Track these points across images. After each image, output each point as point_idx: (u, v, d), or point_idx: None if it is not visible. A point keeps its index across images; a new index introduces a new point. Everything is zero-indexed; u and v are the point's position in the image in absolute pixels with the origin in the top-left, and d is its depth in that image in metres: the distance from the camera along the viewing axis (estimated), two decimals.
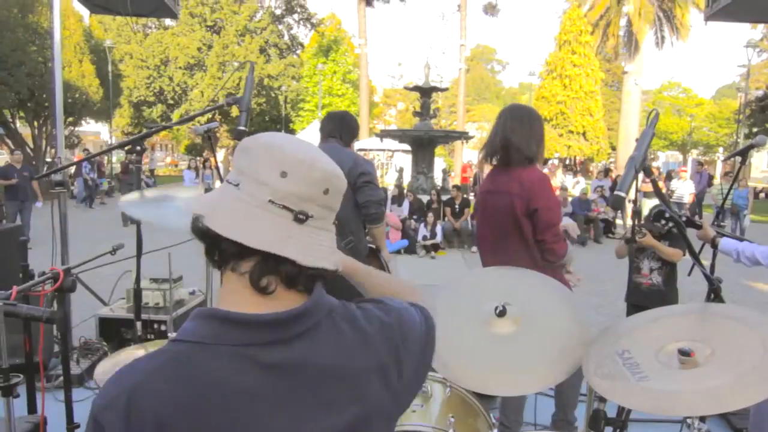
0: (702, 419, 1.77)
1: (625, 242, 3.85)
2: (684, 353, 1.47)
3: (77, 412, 2.90)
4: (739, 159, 3.52)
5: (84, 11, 22.56)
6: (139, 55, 31.39)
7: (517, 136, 2.62)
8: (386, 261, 3.50)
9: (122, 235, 2.45)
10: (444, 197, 12.14)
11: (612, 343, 1.64)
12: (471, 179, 21.17)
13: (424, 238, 10.67)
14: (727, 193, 3.69)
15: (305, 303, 0.90)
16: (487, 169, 2.87)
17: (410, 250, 10.63)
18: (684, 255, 3.75)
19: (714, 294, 1.88)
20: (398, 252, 10.33)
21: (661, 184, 14.02)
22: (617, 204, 1.67)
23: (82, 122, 26.21)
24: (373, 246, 3.46)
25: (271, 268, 0.86)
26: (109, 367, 1.95)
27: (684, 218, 2.74)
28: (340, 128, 3.38)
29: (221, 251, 0.87)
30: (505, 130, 2.65)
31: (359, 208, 3.24)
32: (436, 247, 10.64)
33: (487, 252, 2.84)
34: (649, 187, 13.38)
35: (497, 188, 2.69)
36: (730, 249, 2.70)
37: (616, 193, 1.68)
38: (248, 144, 0.91)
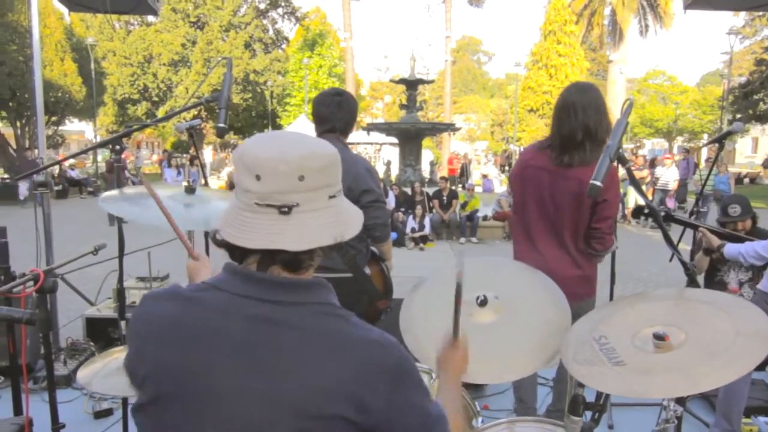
0: (680, 402, 1.80)
1: (704, 253, 3.28)
2: (659, 337, 1.50)
3: (65, 412, 2.90)
4: (724, 145, 3.54)
5: (64, 9, 22.22)
6: (122, 53, 31.04)
7: (601, 130, 2.51)
8: (389, 269, 3.15)
9: (109, 234, 2.44)
10: (431, 189, 12.17)
11: (589, 329, 1.67)
12: (458, 170, 21.25)
13: (413, 230, 10.70)
14: (706, 179, 3.73)
15: (301, 278, 1.01)
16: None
17: (399, 242, 10.66)
18: None
19: (690, 279, 1.92)
20: None
21: (646, 171, 14.13)
22: (593, 193, 1.70)
23: (66, 121, 25.91)
24: (376, 252, 3.09)
25: (271, 260, 0.99)
26: (91, 370, 1.94)
27: (663, 213, 2.78)
28: (337, 115, 2.81)
29: (233, 254, 1.02)
30: (587, 123, 2.50)
31: (362, 228, 2.80)
32: (424, 239, 10.68)
33: (530, 226, 2.72)
34: (636, 175, 13.49)
35: (565, 172, 2.55)
36: (735, 254, 2.80)
37: (591, 182, 1.71)
38: (233, 156, 1.04)
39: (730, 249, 2.79)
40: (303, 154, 0.97)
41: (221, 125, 2.13)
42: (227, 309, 0.97)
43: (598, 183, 1.70)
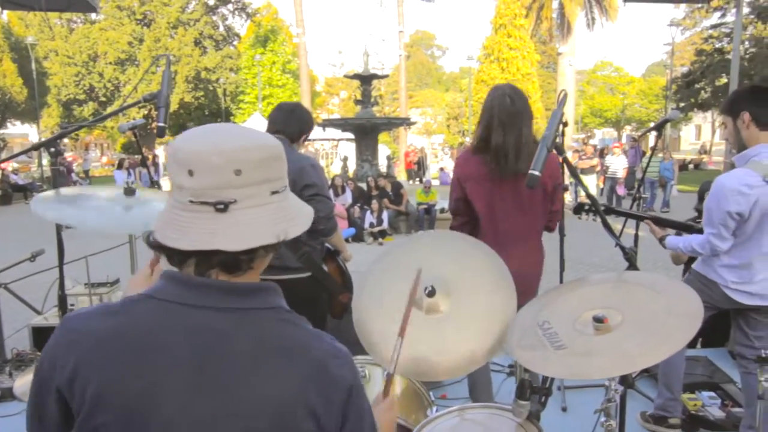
0: (625, 381, 1.87)
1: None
2: (598, 320, 1.55)
3: (10, 426, 2.80)
4: (663, 133, 3.66)
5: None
6: (66, 52, 29.94)
7: (530, 139, 2.60)
8: (345, 261, 3.22)
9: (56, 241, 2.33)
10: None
11: (533, 315, 1.72)
12: (415, 164, 21.38)
13: (371, 225, 10.72)
14: (647, 166, 3.87)
15: (245, 282, 0.94)
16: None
17: (358, 238, 10.68)
18: None
19: (628, 263, 1.98)
20: (346, 240, 10.34)
21: (596, 160, 14.49)
22: (532, 183, 1.73)
23: (8, 124, 24.84)
24: (331, 247, 3.15)
25: (208, 262, 0.91)
26: (29, 380, 1.86)
27: (603, 207, 2.85)
28: (285, 122, 3.00)
29: (171, 258, 0.94)
30: (522, 136, 2.56)
31: None
32: (383, 234, 10.72)
33: (498, 231, 2.66)
34: (585, 164, 13.86)
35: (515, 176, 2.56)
36: (674, 248, 2.85)
37: (530, 172, 1.74)
38: (167, 152, 0.97)
39: (671, 242, 2.83)
40: (239, 146, 0.90)
41: (161, 124, 2.08)
42: (165, 320, 0.90)
43: (537, 173, 1.73)
